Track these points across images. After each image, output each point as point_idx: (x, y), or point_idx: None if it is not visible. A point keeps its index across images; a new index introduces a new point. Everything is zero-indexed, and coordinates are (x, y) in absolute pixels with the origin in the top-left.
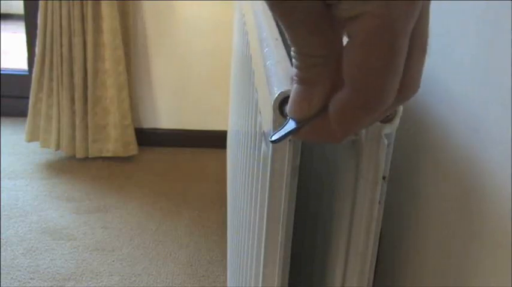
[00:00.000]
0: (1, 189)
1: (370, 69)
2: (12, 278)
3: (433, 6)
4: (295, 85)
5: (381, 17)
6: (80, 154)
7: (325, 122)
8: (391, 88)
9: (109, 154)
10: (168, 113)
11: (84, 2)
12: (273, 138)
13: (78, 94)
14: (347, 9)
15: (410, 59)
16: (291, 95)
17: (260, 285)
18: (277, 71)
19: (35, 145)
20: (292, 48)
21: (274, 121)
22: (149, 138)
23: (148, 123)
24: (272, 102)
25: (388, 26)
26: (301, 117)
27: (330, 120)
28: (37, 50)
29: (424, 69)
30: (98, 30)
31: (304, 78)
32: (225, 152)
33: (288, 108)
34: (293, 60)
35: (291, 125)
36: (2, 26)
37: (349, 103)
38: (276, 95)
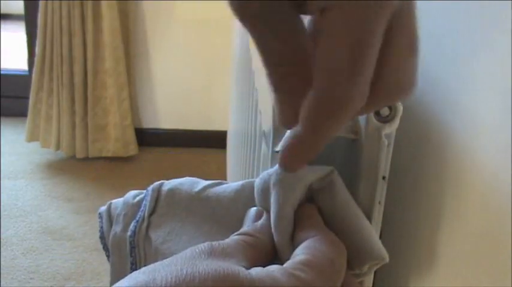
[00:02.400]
0: (1, 189)
1: (333, 67)
2: (12, 278)
3: (434, 6)
4: (273, 94)
5: (346, 12)
6: (80, 154)
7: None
8: (356, 90)
9: (109, 154)
10: (168, 113)
11: (84, 2)
12: (277, 149)
13: (78, 94)
14: (316, 3)
15: (391, 59)
16: (274, 106)
17: None
18: None
19: (35, 145)
20: (261, 58)
21: (274, 121)
22: (149, 138)
23: (148, 123)
24: (272, 103)
25: (352, 22)
26: (291, 126)
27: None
28: (37, 50)
29: (416, 70)
30: (98, 30)
31: (279, 88)
32: (225, 152)
33: (277, 120)
34: (264, 69)
35: None
36: (2, 26)
37: (314, 107)
38: None
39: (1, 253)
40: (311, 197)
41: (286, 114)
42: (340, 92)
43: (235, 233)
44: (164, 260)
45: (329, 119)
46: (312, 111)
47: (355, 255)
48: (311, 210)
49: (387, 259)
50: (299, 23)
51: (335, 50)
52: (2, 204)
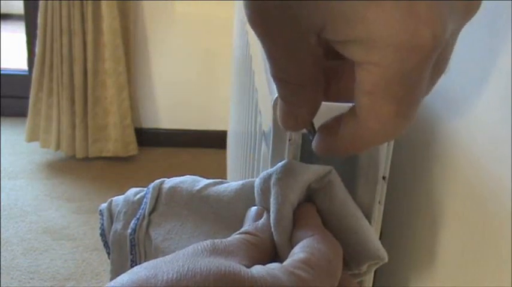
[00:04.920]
0: (1, 189)
1: (379, 116)
2: (12, 278)
3: None
4: (279, 100)
5: (388, 68)
6: (80, 154)
7: (331, 139)
8: (402, 127)
9: (109, 154)
10: (168, 113)
11: (84, 2)
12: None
13: (78, 94)
14: (351, 56)
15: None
16: (278, 108)
17: None
18: None
19: (35, 145)
20: (270, 71)
21: (274, 121)
22: (149, 138)
23: (148, 123)
24: (272, 102)
25: (396, 78)
26: (290, 131)
27: (337, 139)
28: (37, 50)
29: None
30: (98, 30)
31: (284, 99)
32: (225, 152)
33: (278, 120)
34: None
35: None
36: (2, 26)
37: (357, 133)
38: (276, 95)
39: (1, 253)
40: (310, 197)
41: (287, 121)
42: (390, 131)
43: (237, 232)
44: (166, 256)
45: (367, 146)
46: (356, 134)
47: (354, 255)
48: (310, 210)
49: (386, 259)
50: (315, 47)
51: (379, 108)
52: (2, 204)
